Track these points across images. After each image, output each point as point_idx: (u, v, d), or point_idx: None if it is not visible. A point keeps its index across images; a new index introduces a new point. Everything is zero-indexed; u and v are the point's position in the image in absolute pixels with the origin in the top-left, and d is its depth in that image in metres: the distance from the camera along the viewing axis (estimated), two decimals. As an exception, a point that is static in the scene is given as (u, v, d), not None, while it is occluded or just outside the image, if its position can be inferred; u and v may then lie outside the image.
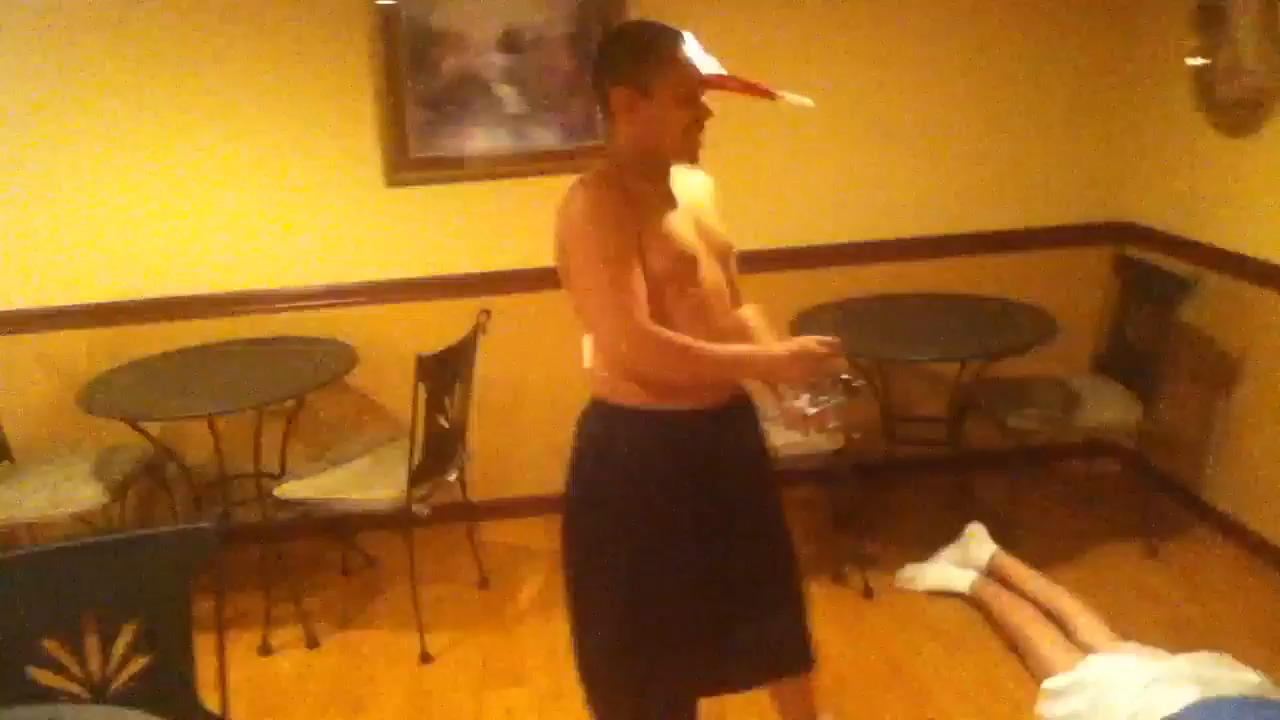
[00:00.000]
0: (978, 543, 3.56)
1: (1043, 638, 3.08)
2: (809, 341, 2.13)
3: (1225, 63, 3.61)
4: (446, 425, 3.35)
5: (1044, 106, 4.17)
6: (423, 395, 3.16)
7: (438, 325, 3.69)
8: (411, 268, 3.99)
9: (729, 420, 2.26)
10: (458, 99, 3.87)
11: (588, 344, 4.09)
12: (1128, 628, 3.09)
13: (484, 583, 3.73)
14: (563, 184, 3.85)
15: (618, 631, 2.22)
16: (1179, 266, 3.79)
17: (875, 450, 4.04)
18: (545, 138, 3.95)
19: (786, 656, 2.43)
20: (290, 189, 3.89)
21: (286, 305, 3.94)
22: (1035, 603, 3.23)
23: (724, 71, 2.11)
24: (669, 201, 2.17)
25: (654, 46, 2.08)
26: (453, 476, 3.51)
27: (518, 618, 3.52)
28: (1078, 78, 4.16)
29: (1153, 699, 2.65)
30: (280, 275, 3.95)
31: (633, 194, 2.11)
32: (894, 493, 4.23)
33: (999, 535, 3.58)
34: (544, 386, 4.11)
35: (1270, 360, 3.57)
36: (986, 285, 4.09)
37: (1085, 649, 2.98)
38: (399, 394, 3.64)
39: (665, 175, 2.19)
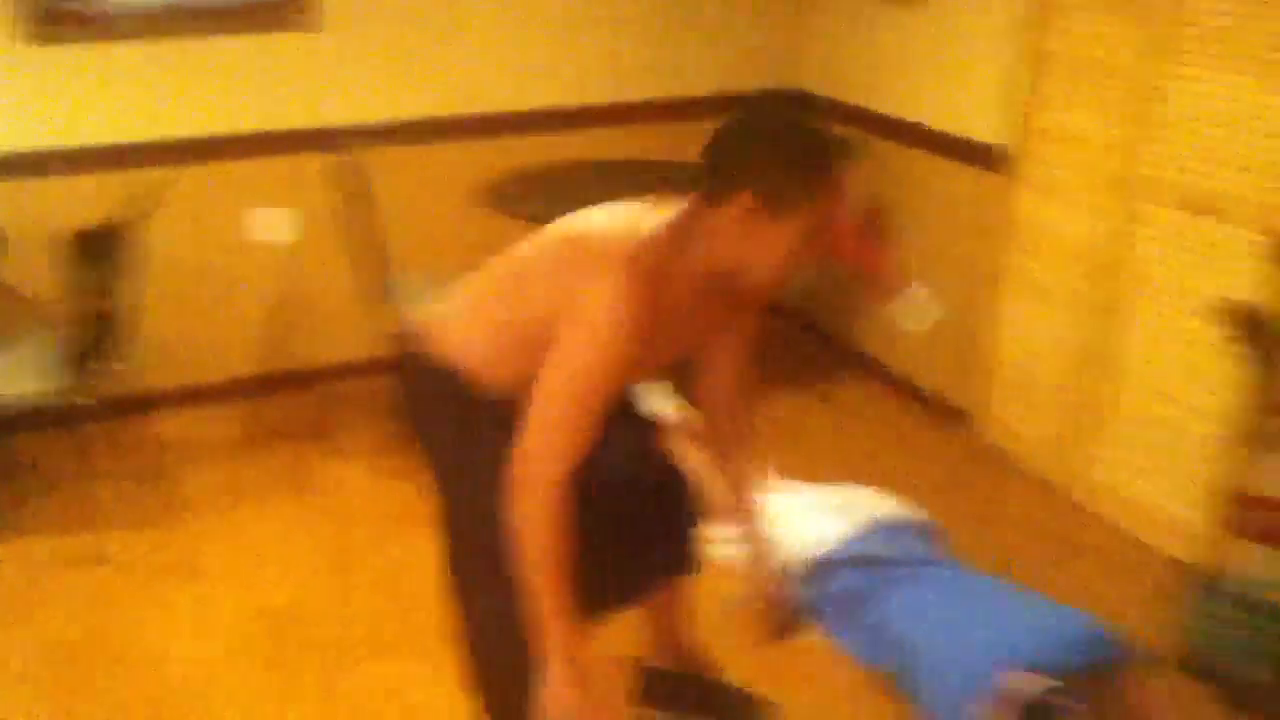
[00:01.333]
0: (656, 397, 3.71)
1: (714, 482, 3.27)
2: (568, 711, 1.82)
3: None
4: (110, 308, 3.09)
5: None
6: (79, 276, 2.89)
7: (95, 200, 3.39)
8: (60, 136, 3.57)
9: None
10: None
11: (260, 216, 3.89)
12: (792, 464, 3.35)
13: (158, 475, 3.51)
14: (231, 46, 3.66)
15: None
16: (847, 131, 4.02)
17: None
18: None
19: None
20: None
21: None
22: (709, 449, 3.41)
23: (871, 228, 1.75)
24: (696, 315, 1.83)
25: (816, 169, 1.68)
26: (121, 364, 3.27)
27: (195, 509, 3.35)
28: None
29: (810, 532, 2.91)
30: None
31: (662, 299, 1.74)
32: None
33: (683, 388, 3.75)
34: (223, 265, 3.87)
35: (919, 215, 3.88)
36: (665, 152, 4.19)
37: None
38: (53, 278, 3.35)
39: (705, 287, 1.80)
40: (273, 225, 3.90)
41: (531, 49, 4.06)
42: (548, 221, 1.94)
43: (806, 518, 2.98)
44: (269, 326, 4.04)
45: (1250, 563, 2.55)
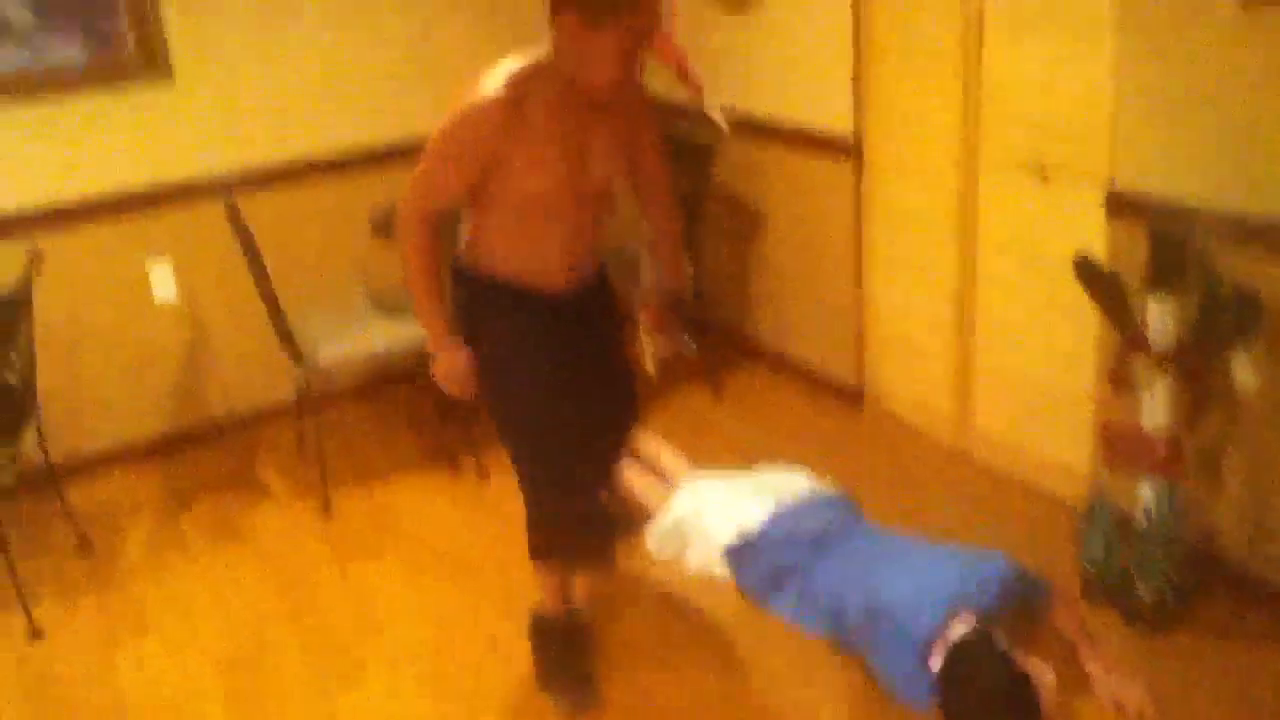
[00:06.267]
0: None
1: (645, 487, 3.44)
2: (453, 370, 2.49)
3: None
4: (14, 382, 3.07)
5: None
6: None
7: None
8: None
9: (577, 301, 2.57)
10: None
11: (157, 273, 3.89)
12: (704, 459, 3.54)
13: (85, 545, 3.50)
14: (95, 105, 3.65)
15: (520, 443, 2.59)
16: (702, 134, 4.22)
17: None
18: (65, 54, 3.59)
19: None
20: None
21: None
22: (634, 457, 3.58)
23: (674, 40, 2.19)
24: (573, 124, 2.30)
25: None
26: (30, 439, 3.24)
27: (130, 572, 3.36)
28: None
29: (736, 516, 3.09)
30: None
31: (534, 104, 2.23)
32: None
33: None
34: (110, 327, 3.86)
35: (785, 208, 4.13)
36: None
37: (674, 485, 3.39)
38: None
39: (569, 96, 2.27)
40: (160, 281, 3.90)
41: (388, 80, 4.17)
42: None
43: (727, 504, 3.16)
44: (174, 382, 4.03)
45: (1126, 490, 2.85)
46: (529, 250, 2.44)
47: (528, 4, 4.29)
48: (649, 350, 2.71)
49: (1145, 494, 2.77)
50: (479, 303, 2.50)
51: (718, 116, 2.39)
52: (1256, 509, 2.80)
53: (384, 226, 3.74)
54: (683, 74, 2.57)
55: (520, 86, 2.23)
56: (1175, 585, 2.74)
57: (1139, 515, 2.79)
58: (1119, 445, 2.80)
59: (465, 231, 2.49)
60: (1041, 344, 3.30)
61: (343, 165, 4.11)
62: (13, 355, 3.04)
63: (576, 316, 2.58)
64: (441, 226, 2.40)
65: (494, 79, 2.23)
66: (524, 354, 2.50)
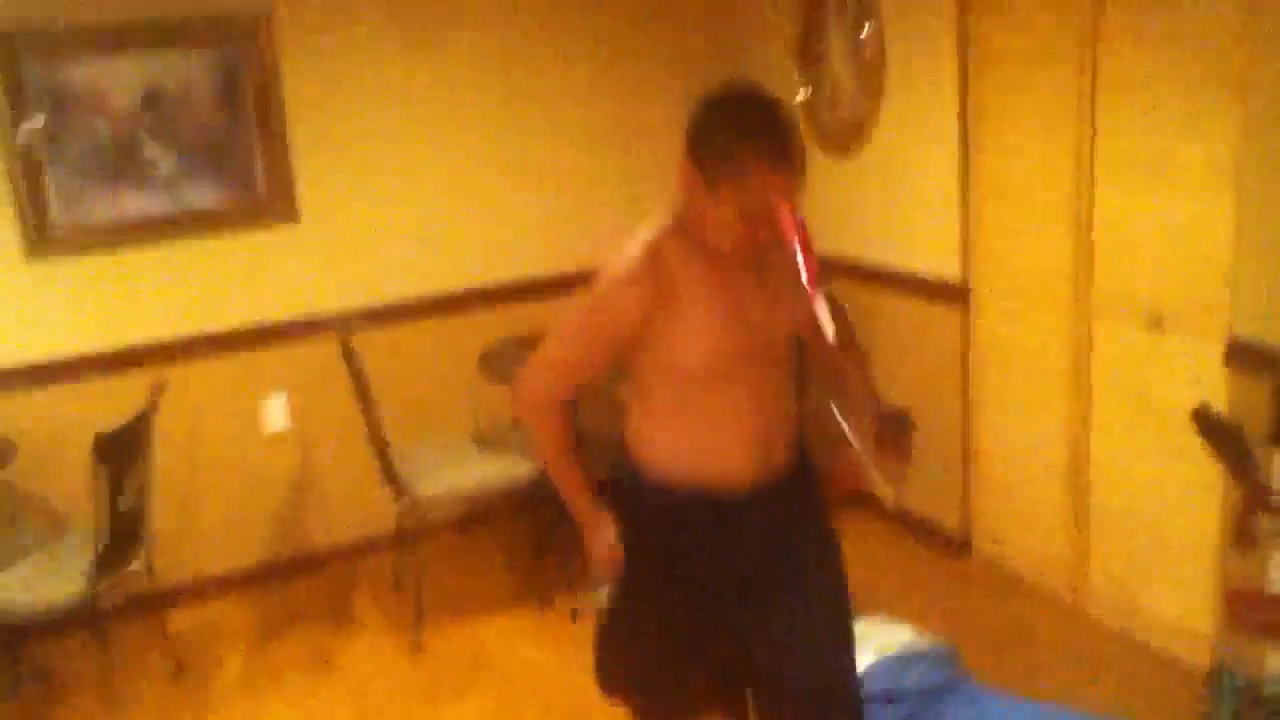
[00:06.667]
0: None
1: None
2: (605, 549, 2.22)
3: (827, 93, 4.12)
4: (130, 507, 3.17)
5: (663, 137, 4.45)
6: (103, 478, 2.98)
7: (105, 403, 3.49)
8: (68, 344, 3.70)
9: (767, 505, 2.18)
10: (104, 163, 3.67)
11: (270, 405, 4.01)
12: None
13: (180, 672, 3.53)
14: (224, 246, 3.84)
15: (624, 661, 2.34)
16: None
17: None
18: (202, 198, 3.83)
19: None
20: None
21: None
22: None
23: (798, 215, 1.95)
24: (717, 278, 2.03)
25: (742, 149, 1.91)
26: (137, 564, 3.32)
27: (221, 703, 3.37)
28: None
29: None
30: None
31: (674, 265, 2.01)
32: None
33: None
34: (222, 457, 3.97)
35: (891, 351, 4.08)
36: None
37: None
38: (65, 483, 3.46)
39: (705, 249, 2.03)
40: (271, 413, 4.02)
41: (499, 225, 4.30)
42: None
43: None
44: (276, 512, 4.11)
45: (1253, 656, 2.67)
46: (702, 433, 2.09)
47: (637, 149, 4.45)
48: (883, 478, 2.42)
49: (1274, 661, 2.60)
50: (636, 519, 2.20)
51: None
52: (1402, 683, 2.60)
53: (493, 366, 3.82)
54: (807, 256, 2.36)
55: (655, 250, 2.02)
56: (1313, 764, 2.54)
57: (1268, 684, 2.60)
58: (1244, 608, 2.64)
59: (627, 428, 2.20)
60: (1159, 494, 3.16)
61: (454, 304, 4.23)
62: (130, 482, 3.15)
63: (763, 536, 2.19)
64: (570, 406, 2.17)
65: (628, 249, 2.04)
66: (665, 606, 2.21)
